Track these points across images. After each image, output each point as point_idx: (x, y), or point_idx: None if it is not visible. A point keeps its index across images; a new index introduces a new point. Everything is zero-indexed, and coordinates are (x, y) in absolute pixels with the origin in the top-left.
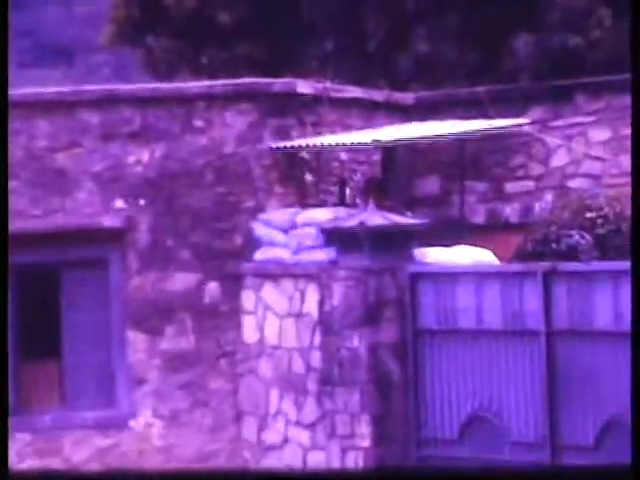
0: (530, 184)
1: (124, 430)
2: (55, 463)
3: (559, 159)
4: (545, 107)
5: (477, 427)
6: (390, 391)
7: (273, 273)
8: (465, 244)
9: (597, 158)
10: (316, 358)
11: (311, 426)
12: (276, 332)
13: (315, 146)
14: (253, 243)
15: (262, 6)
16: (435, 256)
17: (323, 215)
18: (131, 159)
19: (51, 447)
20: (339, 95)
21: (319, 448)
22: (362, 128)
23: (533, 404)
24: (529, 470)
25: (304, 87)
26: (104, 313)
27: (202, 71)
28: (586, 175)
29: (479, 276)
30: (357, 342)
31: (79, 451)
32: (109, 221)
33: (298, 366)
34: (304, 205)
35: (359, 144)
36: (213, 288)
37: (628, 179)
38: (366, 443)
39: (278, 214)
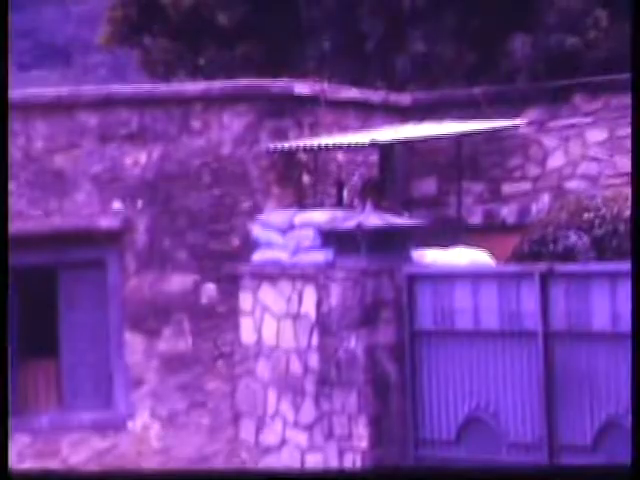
0: (527, 185)
1: (122, 431)
2: (53, 465)
3: (556, 160)
4: (542, 108)
5: (474, 428)
6: (387, 392)
7: (271, 274)
8: (462, 245)
9: (594, 159)
10: (314, 359)
11: (309, 427)
12: (274, 333)
13: (312, 147)
14: (251, 244)
15: (259, 7)
16: (432, 257)
17: (321, 216)
18: (129, 160)
19: (49, 449)
20: (336, 96)
21: (317, 449)
22: (359, 129)
23: (530, 405)
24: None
25: (301, 88)
26: (102, 314)
27: (199, 72)
28: (583, 176)
29: (476, 277)
30: (354, 343)
31: (77, 453)
32: (107, 222)
33: (296, 367)
34: (302, 206)
35: (356, 145)
36: (210, 289)
37: (625, 180)
38: (364, 444)
39: (276, 215)
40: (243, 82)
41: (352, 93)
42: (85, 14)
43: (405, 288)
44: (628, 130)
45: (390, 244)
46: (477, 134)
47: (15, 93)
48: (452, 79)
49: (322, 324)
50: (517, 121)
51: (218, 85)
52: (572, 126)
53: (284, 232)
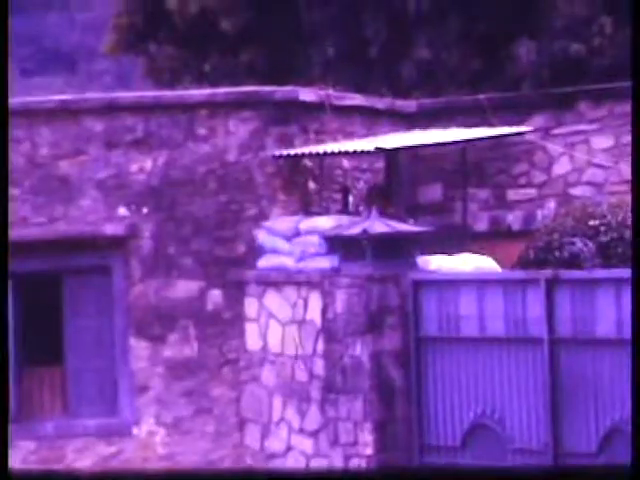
0: (532, 192)
1: (127, 437)
2: None
3: (561, 167)
4: (547, 114)
5: (480, 434)
6: (393, 399)
7: (276, 281)
8: (468, 251)
9: (599, 166)
10: (319, 366)
11: (314, 434)
12: (279, 340)
13: (318, 154)
14: (256, 251)
15: (264, 14)
16: (438, 263)
17: (326, 223)
18: (134, 167)
19: (54, 455)
20: (341, 103)
21: (322, 456)
22: (364, 136)
23: (536, 411)
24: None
25: (306, 95)
26: (107, 320)
27: (205, 79)
28: (589, 183)
29: (482, 283)
30: (360, 349)
31: (82, 459)
32: (112, 229)
33: (301, 374)
34: (307, 213)
35: (362, 151)
36: (216, 295)
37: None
38: (369, 451)
39: (281, 222)
40: (248, 89)
41: (357, 99)
42: (90, 21)
43: (410, 294)
44: None
45: (395, 250)
46: (482, 140)
47: (19, 99)
48: (457, 86)
49: (327, 330)
50: (523, 128)
51: (223, 92)
52: (577, 133)
53: (289, 238)
